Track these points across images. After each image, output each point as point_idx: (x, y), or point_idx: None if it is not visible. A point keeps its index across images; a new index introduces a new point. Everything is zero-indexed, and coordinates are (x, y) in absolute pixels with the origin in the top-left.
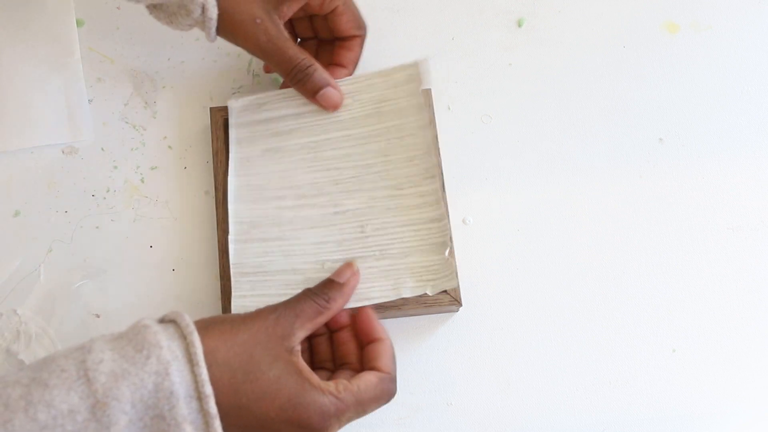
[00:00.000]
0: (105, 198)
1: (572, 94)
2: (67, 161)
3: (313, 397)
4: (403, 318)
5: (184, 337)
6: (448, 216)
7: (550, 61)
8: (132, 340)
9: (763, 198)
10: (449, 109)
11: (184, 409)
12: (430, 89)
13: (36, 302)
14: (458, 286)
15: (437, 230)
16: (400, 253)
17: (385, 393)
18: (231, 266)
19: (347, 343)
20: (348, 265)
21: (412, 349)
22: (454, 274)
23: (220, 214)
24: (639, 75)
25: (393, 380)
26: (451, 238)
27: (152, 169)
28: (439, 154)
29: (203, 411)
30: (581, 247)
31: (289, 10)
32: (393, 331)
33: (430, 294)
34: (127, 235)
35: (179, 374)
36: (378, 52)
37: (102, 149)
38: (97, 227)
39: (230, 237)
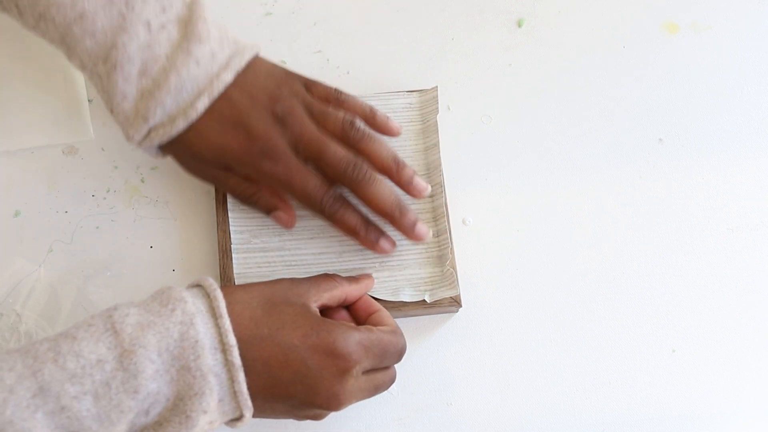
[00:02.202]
0: (105, 198)
1: (572, 95)
2: (68, 161)
3: (336, 325)
4: (403, 318)
5: (207, 296)
6: (449, 223)
7: (550, 61)
8: (157, 299)
9: (762, 198)
10: (449, 109)
11: (210, 360)
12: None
13: (36, 303)
14: (457, 287)
15: (436, 244)
16: (399, 266)
17: (400, 344)
18: (234, 276)
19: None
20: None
21: (412, 350)
22: (455, 283)
23: (221, 214)
24: (639, 75)
25: (402, 335)
26: (452, 249)
27: (152, 169)
28: (440, 155)
29: (227, 362)
30: (581, 247)
31: None
32: None
33: (428, 301)
34: (128, 236)
35: (204, 325)
36: (378, 53)
37: (102, 149)
38: (97, 227)
39: (233, 246)
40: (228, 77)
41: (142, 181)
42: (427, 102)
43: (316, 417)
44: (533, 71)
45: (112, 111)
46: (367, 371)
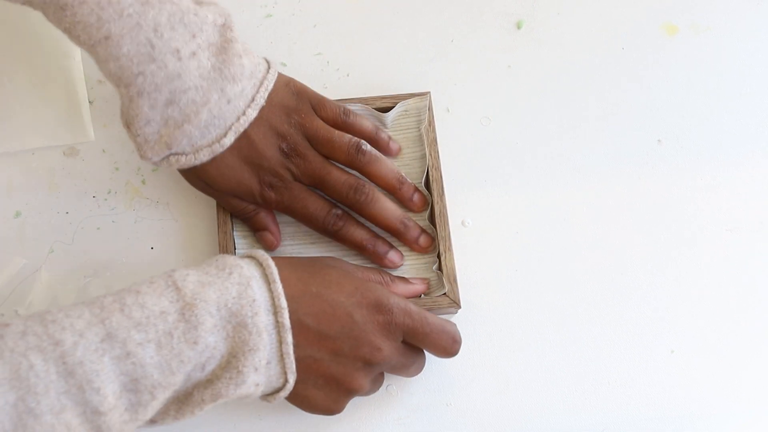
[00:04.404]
0: (106, 199)
1: (571, 96)
2: (68, 162)
3: (376, 285)
4: None
5: (260, 264)
6: (448, 225)
7: (549, 63)
8: (213, 264)
9: (761, 199)
10: (448, 111)
11: (264, 318)
12: (429, 94)
13: (37, 303)
14: (456, 288)
15: (432, 251)
16: (397, 272)
17: (448, 328)
18: None
19: None
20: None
21: None
22: (443, 283)
23: (222, 216)
24: (638, 77)
25: (453, 325)
26: (439, 254)
27: (153, 170)
28: (438, 157)
29: (278, 324)
30: (580, 248)
31: None
32: None
33: (423, 296)
34: (128, 237)
35: (259, 288)
36: (378, 55)
37: (103, 151)
38: (98, 228)
39: (237, 252)
40: (253, 114)
41: (143, 183)
42: (421, 109)
43: (355, 385)
44: (532, 73)
45: (129, 128)
46: (407, 344)
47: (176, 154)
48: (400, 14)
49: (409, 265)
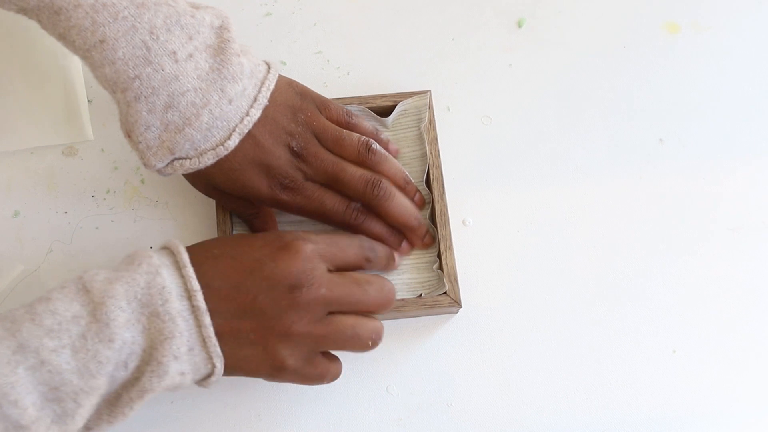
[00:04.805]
0: (105, 199)
1: (572, 95)
2: (67, 162)
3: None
4: (404, 319)
5: (172, 253)
6: (448, 224)
7: (550, 61)
8: (124, 261)
9: (763, 198)
10: (449, 110)
11: (177, 304)
12: (429, 92)
13: None
14: (457, 287)
15: (431, 250)
16: (397, 270)
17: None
18: None
19: None
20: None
21: (411, 351)
22: (443, 282)
23: (221, 215)
24: (639, 75)
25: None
26: (439, 254)
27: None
28: (439, 156)
29: (193, 308)
30: (581, 247)
31: None
32: (393, 332)
33: (423, 295)
34: (128, 236)
35: (169, 275)
36: (378, 53)
37: (102, 150)
38: (97, 228)
39: None
40: (256, 114)
41: (142, 182)
42: (421, 108)
43: (285, 323)
44: (533, 72)
45: (130, 137)
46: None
47: (180, 158)
48: (400, 12)
49: (410, 264)
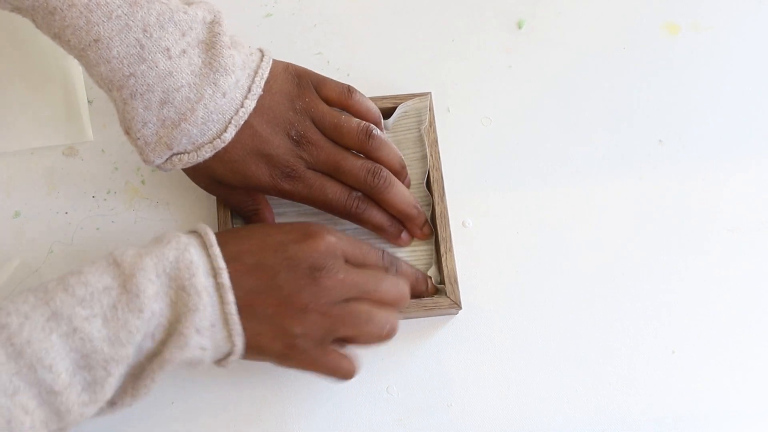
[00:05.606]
0: (105, 199)
1: (572, 96)
2: (68, 162)
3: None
4: (404, 321)
5: (200, 235)
6: (448, 227)
7: (550, 62)
8: (153, 240)
9: (762, 199)
10: (449, 111)
11: (203, 279)
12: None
13: None
14: (457, 288)
15: (427, 251)
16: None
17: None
18: None
19: None
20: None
21: (412, 351)
22: (443, 284)
23: (221, 216)
24: (639, 76)
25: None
26: (439, 255)
27: (153, 171)
28: (439, 158)
29: (218, 285)
30: (581, 248)
31: None
32: None
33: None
34: (128, 237)
35: (197, 253)
36: (378, 54)
37: (102, 150)
38: (97, 229)
39: None
40: (251, 105)
41: (143, 183)
42: (422, 110)
43: (303, 299)
44: (533, 73)
45: (128, 134)
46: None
47: (178, 153)
48: (400, 14)
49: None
